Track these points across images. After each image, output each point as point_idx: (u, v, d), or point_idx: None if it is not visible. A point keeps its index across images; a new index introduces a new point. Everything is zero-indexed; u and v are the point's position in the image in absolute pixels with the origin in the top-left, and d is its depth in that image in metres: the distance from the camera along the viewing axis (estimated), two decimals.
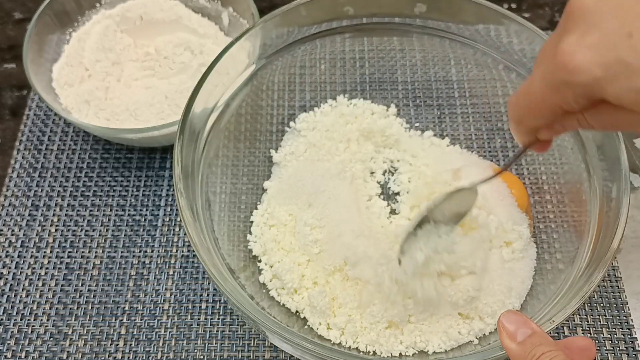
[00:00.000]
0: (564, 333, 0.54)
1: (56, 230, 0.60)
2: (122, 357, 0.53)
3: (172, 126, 0.57)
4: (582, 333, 0.54)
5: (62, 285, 0.57)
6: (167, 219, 0.60)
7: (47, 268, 0.58)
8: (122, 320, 0.55)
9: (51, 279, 0.57)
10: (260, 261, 0.54)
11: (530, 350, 0.36)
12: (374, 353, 0.50)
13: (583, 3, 0.30)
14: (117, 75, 0.65)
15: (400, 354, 0.50)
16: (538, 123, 0.37)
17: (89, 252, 0.59)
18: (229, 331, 0.54)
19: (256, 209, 0.59)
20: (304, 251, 0.54)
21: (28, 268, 0.58)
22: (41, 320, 0.55)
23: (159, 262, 0.58)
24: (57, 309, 0.56)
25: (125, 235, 0.59)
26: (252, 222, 0.58)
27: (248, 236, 0.56)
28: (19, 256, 0.58)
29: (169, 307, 0.56)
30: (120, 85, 0.64)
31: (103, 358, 0.53)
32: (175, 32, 0.67)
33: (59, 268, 0.58)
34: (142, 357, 0.53)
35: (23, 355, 0.53)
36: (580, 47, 0.29)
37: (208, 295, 0.56)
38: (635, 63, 0.27)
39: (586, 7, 0.30)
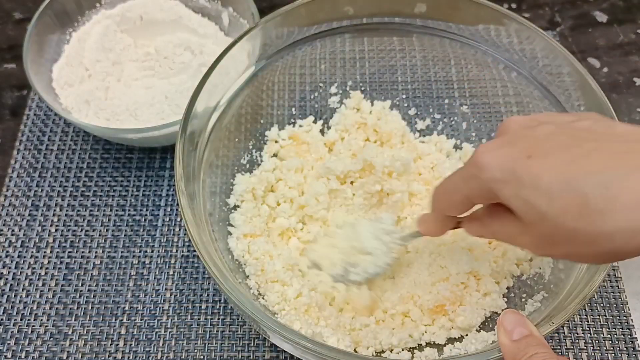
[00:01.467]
0: (564, 333, 0.54)
1: (56, 230, 0.60)
2: (122, 357, 0.53)
3: (172, 126, 0.57)
4: (582, 333, 0.54)
5: (62, 285, 0.57)
6: (167, 219, 0.60)
7: (47, 268, 0.58)
8: (122, 320, 0.55)
9: (51, 279, 0.57)
10: (248, 277, 0.54)
11: (523, 348, 0.37)
12: (375, 353, 0.50)
13: (510, 125, 0.39)
14: (117, 75, 0.65)
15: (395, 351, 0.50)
16: (453, 210, 0.42)
17: (89, 252, 0.59)
18: (229, 331, 0.54)
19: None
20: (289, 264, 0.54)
21: (28, 268, 0.58)
22: (41, 320, 0.55)
23: (159, 262, 0.58)
24: (57, 309, 0.56)
25: (125, 235, 0.59)
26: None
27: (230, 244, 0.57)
28: (19, 256, 0.58)
29: (169, 307, 0.56)
30: (120, 85, 0.64)
31: (103, 358, 0.53)
32: (175, 32, 0.67)
33: (59, 268, 0.58)
34: (142, 357, 0.53)
35: (23, 355, 0.53)
36: (492, 151, 0.36)
37: (208, 295, 0.56)
38: (524, 178, 0.34)
39: (511, 128, 0.39)
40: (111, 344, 0.54)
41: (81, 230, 0.60)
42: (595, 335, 0.54)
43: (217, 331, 0.54)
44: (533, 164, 0.34)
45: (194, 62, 0.64)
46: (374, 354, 0.50)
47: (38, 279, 0.57)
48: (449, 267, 0.54)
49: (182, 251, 0.59)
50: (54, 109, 0.58)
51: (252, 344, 0.54)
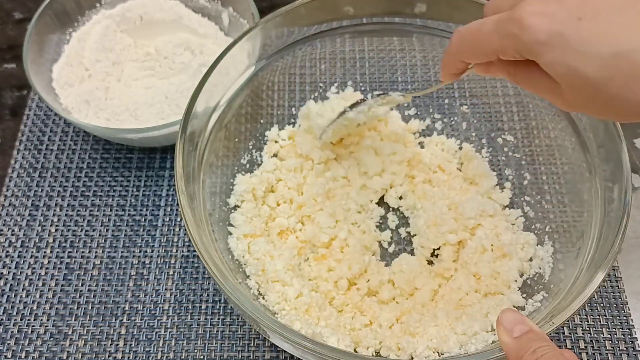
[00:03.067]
0: (564, 333, 0.54)
1: (56, 230, 0.60)
2: (122, 357, 0.53)
3: (173, 126, 0.57)
4: (582, 333, 0.54)
5: (62, 285, 0.57)
6: (167, 219, 0.60)
7: (47, 268, 0.58)
8: (122, 320, 0.55)
9: (51, 279, 0.57)
10: (248, 277, 0.54)
11: (525, 344, 0.37)
12: (375, 353, 0.50)
13: None
14: (117, 75, 0.65)
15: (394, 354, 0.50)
16: (473, 59, 0.40)
17: (89, 252, 0.59)
18: (229, 331, 0.54)
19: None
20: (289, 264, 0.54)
21: (28, 268, 0.58)
22: (41, 320, 0.55)
23: (159, 262, 0.58)
24: (57, 309, 0.56)
25: (125, 235, 0.59)
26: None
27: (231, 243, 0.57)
28: (19, 256, 0.58)
29: (169, 307, 0.56)
30: (120, 85, 0.64)
31: (103, 358, 0.53)
32: (175, 32, 0.67)
33: (59, 268, 0.58)
34: (142, 357, 0.53)
35: (23, 355, 0.53)
36: (538, 12, 0.33)
37: (208, 295, 0.56)
38: (572, 42, 0.32)
39: None
40: (111, 344, 0.54)
41: (81, 230, 0.60)
42: (595, 335, 0.54)
43: (217, 331, 0.54)
44: (584, 27, 0.32)
45: (194, 62, 0.64)
46: (374, 354, 0.50)
47: (38, 279, 0.57)
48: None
49: (182, 251, 0.59)
50: (53, 109, 0.58)
51: (252, 344, 0.54)
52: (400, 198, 0.61)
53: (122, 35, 0.67)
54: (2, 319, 0.55)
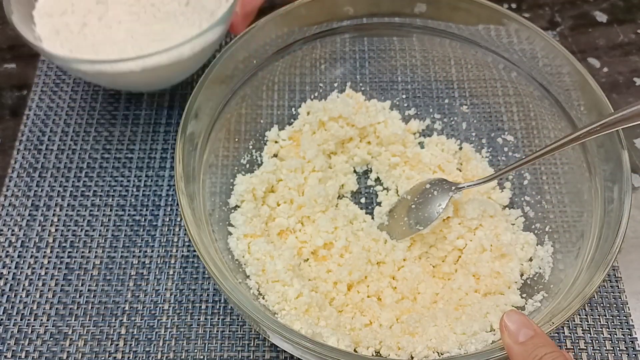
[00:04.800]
0: (564, 333, 0.54)
1: (56, 230, 0.60)
2: (122, 357, 0.53)
3: (127, 62, 0.55)
4: (582, 333, 0.54)
5: (62, 285, 0.57)
6: (167, 219, 0.60)
7: (47, 268, 0.58)
8: (122, 320, 0.55)
9: (51, 279, 0.57)
10: (248, 277, 0.54)
11: (532, 351, 0.36)
12: (375, 353, 0.50)
13: None
14: (99, 14, 0.62)
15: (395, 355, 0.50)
16: None
17: (89, 252, 0.59)
18: (229, 331, 0.54)
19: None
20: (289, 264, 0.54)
21: (28, 268, 0.58)
22: (41, 320, 0.55)
23: (159, 262, 0.58)
24: (57, 309, 0.56)
25: (125, 235, 0.59)
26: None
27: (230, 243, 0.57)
28: (19, 256, 0.58)
29: (169, 307, 0.56)
30: (100, 25, 0.62)
31: (103, 358, 0.53)
32: None
33: (59, 268, 0.58)
34: (142, 357, 0.53)
35: (23, 355, 0.53)
36: None
37: (208, 295, 0.56)
38: None
39: None
40: (111, 344, 0.54)
41: (81, 230, 0.60)
42: (595, 335, 0.54)
43: (217, 331, 0.54)
44: None
45: (178, 14, 0.62)
46: (374, 354, 0.50)
47: (38, 279, 0.57)
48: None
49: (182, 251, 0.59)
50: (23, 35, 0.57)
51: (252, 344, 0.54)
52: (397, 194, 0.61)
53: None
54: (2, 319, 0.55)
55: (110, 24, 0.62)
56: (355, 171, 0.63)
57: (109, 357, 0.53)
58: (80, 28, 0.61)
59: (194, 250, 0.53)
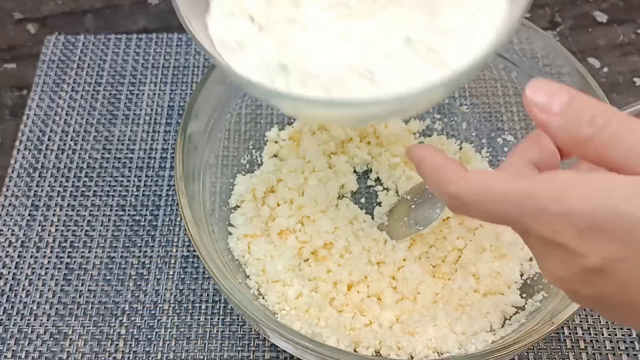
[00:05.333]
0: (564, 333, 0.54)
1: (56, 230, 0.60)
2: (122, 357, 0.53)
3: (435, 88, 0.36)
4: (582, 333, 0.54)
5: (62, 285, 0.57)
6: (167, 219, 0.60)
7: (47, 268, 0.58)
8: (122, 320, 0.55)
9: (51, 279, 0.57)
10: (248, 277, 0.54)
11: (576, 118, 0.29)
12: (375, 353, 0.50)
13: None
14: (300, 23, 0.41)
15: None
16: None
17: (89, 252, 0.59)
18: (229, 331, 0.54)
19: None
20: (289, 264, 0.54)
21: (28, 268, 0.58)
22: (41, 320, 0.55)
23: (158, 262, 0.58)
24: (57, 309, 0.56)
25: (125, 235, 0.59)
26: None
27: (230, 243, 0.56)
28: (19, 256, 0.58)
29: (169, 307, 0.56)
30: (309, 37, 0.42)
31: (103, 358, 0.53)
32: None
33: (59, 268, 0.58)
34: (142, 357, 0.53)
35: (23, 355, 0.53)
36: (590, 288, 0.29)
37: (208, 295, 0.56)
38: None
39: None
40: (111, 344, 0.54)
41: (81, 230, 0.60)
42: (595, 335, 0.54)
43: (217, 331, 0.54)
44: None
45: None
46: (374, 354, 0.50)
47: (38, 279, 0.57)
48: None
49: (182, 251, 0.59)
50: (256, 93, 0.41)
51: (252, 344, 0.54)
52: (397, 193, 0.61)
53: None
54: (2, 319, 0.55)
55: (317, 32, 0.42)
56: (355, 171, 0.63)
57: (109, 357, 0.53)
58: (298, 52, 0.40)
59: (194, 250, 0.53)
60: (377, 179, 0.62)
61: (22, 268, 0.58)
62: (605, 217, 0.26)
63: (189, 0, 0.39)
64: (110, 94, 0.69)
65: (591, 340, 0.54)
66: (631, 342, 0.54)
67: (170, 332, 0.54)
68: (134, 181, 0.63)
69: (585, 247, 0.27)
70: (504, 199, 0.30)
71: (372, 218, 0.59)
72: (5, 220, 0.60)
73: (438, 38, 0.38)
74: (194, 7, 0.40)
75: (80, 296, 0.56)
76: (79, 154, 0.65)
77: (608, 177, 0.27)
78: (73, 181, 0.63)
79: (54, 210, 0.61)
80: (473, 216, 0.32)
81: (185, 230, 0.49)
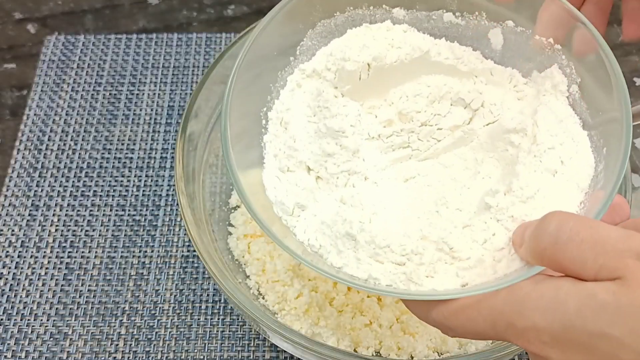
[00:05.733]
0: None
1: (56, 230, 0.60)
2: (122, 357, 0.53)
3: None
4: None
5: (62, 285, 0.57)
6: (167, 219, 0.60)
7: (47, 268, 0.58)
8: (122, 320, 0.55)
9: (51, 279, 0.57)
10: (248, 277, 0.54)
11: (535, 234, 0.30)
12: (375, 353, 0.50)
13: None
14: (360, 173, 0.38)
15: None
16: None
17: (89, 252, 0.59)
18: (229, 331, 0.54)
19: None
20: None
21: (28, 268, 0.58)
22: (41, 320, 0.55)
23: (159, 262, 0.58)
24: (57, 309, 0.56)
25: (125, 235, 0.59)
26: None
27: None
28: (19, 256, 0.58)
29: (169, 307, 0.56)
30: (369, 189, 0.38)
31: (103, 358, 0.53)
32: (418, 77, 0.41)
33: (59, 268, 0.58)
34: (142, 357, 0.53)
35: (23, 355, 0.53)
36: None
37: (208, 295, 0.56)
38: None
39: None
40: (111, 344, 0.54)
41: (81, 230, 0.60)
42: None
43: (217, 331, 0.55)
44: None
45: (475, 122, 0.39)
46: (374, 354, 0.50)
47: (38, 279, 0.57)
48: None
49: (182, 251, 0.59)
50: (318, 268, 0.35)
51: (252, 344, 0.54)
52: None
53: (344, 101, 0.40)
54: (2, 319, 0.55)
55: (377, 180, 0.39)
56: None
57: (109, 357, 0.53)
58: (361, 214, 0.36)
59: (194, 250, 0.53)
60: None
61: (22, 268, 0.58)
62: (563, 331, 0.28)
63: (243, 158, 0.38)
64: (110, 94, 0.69)
65: None
66: None
67: (170, 332, 0.54)
68: (134, 181, 0.63)
69: (556, 355, 0.29)
70: (479, 318, 0.31)
71: None
72: (5, 220, 0.60)
73: (521, 205, 0.35)
74: (248, 163, 0.39)
75: (80, 296, 0.56)
76: (79, 154, 0.65)
77: (561, 287, 0.28)
78: (73, 181, 0.63)
79: (54, 210, 0.61)
80: (462, 337, 0.33)
81: (185, 230, 0.49)
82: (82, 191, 0.62)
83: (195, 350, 0.53)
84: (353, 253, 0.35)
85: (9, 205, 0.61)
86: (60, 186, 0.62)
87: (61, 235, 0.60)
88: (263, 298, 0.52)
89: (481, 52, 0.43)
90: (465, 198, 0.37)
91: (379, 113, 0.41)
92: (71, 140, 0.66)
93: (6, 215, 0.61)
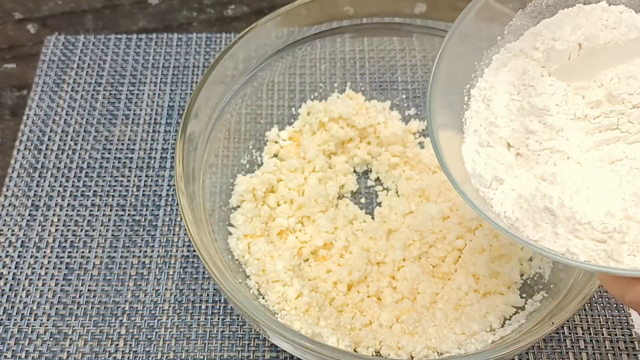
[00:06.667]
0: (564, 333, 0.54)
1: (56, 230, 0.60)
2: (122, 357, 0.53)
3: None
4: (582, 333, 0.54)
5: (62, 285, 0.57)
6: (167, 219, 0.60)
7: (47, 268, 0.58)
8: (122, 320, 0.55)
9: (51, 279, 0.57)
10: (248, 277, 0.54)
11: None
12: (375, 353, 0.50)
13: None
14: (563, 152, 0.39)
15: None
16: None
17: (89, 252, 0.59)
18: (229, 331, 0.54)
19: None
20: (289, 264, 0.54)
21: (28, 268, 0.58)
22: (41, 320, 0.55)
23: (159, 262, 0.58)
24: (57, 309, 0.56)
25: (125, 235, 0.59)
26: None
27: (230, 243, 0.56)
28: (19, 256, 0.58)
29: (169, 307, 0.56)
30: (572, 168, 0.38)
31: (103, 358, 0.53)
32: (632, 58, 0.40)
33: (59, 268, 0.58)
34: (142, 357, 0.53)
35: (23, 355, 0.53)
36: None
37: (208, 295, 0.56)
38: None
39: None
40: (111, 344, 0.54)
41: (81, 230, 0.60)
42: (595, 335, 0.54)
43: (217, 331, 0.54)
44: None
45: None
46: (374, 354, 0.50)
47: (38, 279, 0.57)
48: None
49: (182, 251, 0.59)
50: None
51: (252, 344, 0.54)
52: (398, 194, 0.61)
53: (551, 80, 0.40)
54: (2, 319, 0.55)
55: (580, 161, 0.39)
56: (355, 171, 0.63)
57: (109, 357, 0.53)
58: (561, 189, 0.37)
59: (194, 250, 0.53)
60: (377, 179, 0.63)
61: (22, 268, 0.58)
62: None
63: (447, 135, 0.40)
64: (110, 94, 0.69)
65: (591, 340, 0.54)
66: (631, 342, 0.54)
67: (170, 332, 0.54)
68: (134, 181, 0.63)
69: None
70: None
71: (372, 218, 0.59)
72: (5, 220, 0.60)
73: None
74: (452, 140, 0.41)
75: (80, 296, 0.56)
76: (79, 154, 0.65)
77: None
78: (73, 181, 0.63)
79: (54, 210, 0.61)
80: None
81: (185, 230, 0.49)
82: (82, 191, 0.62)
83: (195, 350, 0.53)
84: (551, 227, 0.36)
85: (9, 205, 0.61)
86: (60, 186, 0.62)
87: (61, 235, 0.60)
88: (263, 298, 0.52)
89: None
90: None
91: (586, 94, 0.39)
92: (71, 140, 0.66)
93: (6, 215, 0.61)
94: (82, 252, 0.59)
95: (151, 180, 0.63)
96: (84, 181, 0.63)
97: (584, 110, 0.39)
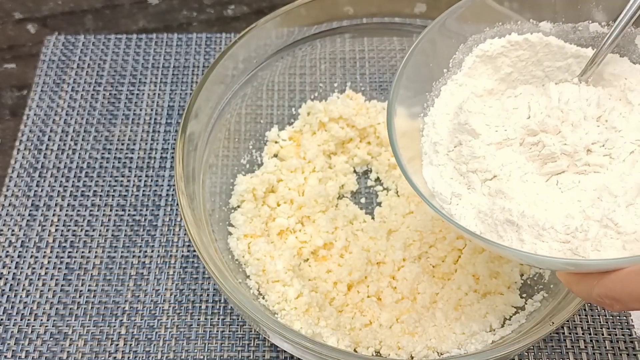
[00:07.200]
0: (564, 333, 0.54)
1: (56, 230, 0.60)
2: (122, 357, 0.53)
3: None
4: (582, 333, 0.54)
5: (62, 285, 0.57)
6: (167, 219, 0.60)
7: (47, 268, 0.58)
8: (122, 320, 0.55)
9: (51, 279, 0.57)
10: (248, 277, 0.54)
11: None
12: (375, 353, 0.50)
13: None
14: (500, 171, 0.41)
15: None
16: None
17: (89, 252, 0.59)
18: (229, 331, 0.54)
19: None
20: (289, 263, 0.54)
21: (28, 268, 0.58)
22: (41, 320, 0.55)
23: (159, 262, 0.58)
24: (57, 309, 0.56)
25: (125, 235, 0.59)
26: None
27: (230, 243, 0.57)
28: (19, 256, 0.58)
29: (169, 307, 0.56)
30: (517, 185, 0.40)
31: (103, 358, 0.53)
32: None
33: (59, 268, 0.58)
34: (142, 357, 0.53)
35: (23, 355, 0.53)
36: None
37: (208, 295, 0.56)
38: None
39: None
40: (111, 344, 0.54)
41: (81, 230, 0.60)
42: (595, 335, 0.54)
43: (217, 331, 0.54)
44: None
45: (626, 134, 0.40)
46: (374, 354, 0.50)
47: (38, 279, 0.57)
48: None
49: (182, 251, 0.59)
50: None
51: (252, 344, 0.54)
52: (398, 195, 0.61)
53: (488, 102, 0.45)
54: (2, 319, 0.55)
55: (529, 178, 0.41)
56: (355, 171, 0.63)
57: (109, 357, 0.53)
58: (505, 202, 0.40)
59: (194, 250, 0.53)
60: (377, 179, 0.63)
61: (22, 268, 0.58)
62: None
63: (413, 163, 0.43)
64: (110, 94, 0.69)
65: (591, 340, 0.54)
66: (631, 342, 0.54)
67: (170, 332, 0.54)
68: (134, 181, 0.63)
69: None
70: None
71: (372, 218, 0.59)
72: (5, 220, 0.60)
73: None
74: (417, 166, 0.44)
75: (80, 296, 0.56)
76: (79, 154, 0.65)
77: None
78: (73, 181, 0.63)
79: (54, 210, 0.61)
80: (627, 308, 0.34)
81: (185, 230, 0.49)
82: (82, 191, 0.62)
83: (195, 350, 0.53)
84: (516, 235, 0.38)
85: (9, 205, 0.61)
86: (60, 186, 0.62)
87: (61, 235, 0.60)
88: (263, 298, 0.52)
89: (629, 59, 0.44)
90: (625, 183, 0.38)
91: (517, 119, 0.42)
92: (71, 140, 0.66)
93: (6, 215, 0.61)
94: (82, 252, 0.59)
95: (151, 180, 0.63)
96: (84, 181, 0.63)
97: (520, 133, 0.42)
